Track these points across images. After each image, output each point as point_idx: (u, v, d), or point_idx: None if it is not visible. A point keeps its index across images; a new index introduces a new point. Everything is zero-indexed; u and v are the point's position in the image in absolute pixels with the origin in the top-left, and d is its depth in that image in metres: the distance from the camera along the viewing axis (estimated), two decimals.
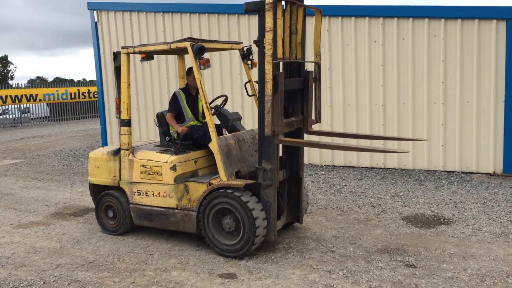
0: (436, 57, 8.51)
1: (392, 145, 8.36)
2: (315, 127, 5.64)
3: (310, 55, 5.47)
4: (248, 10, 4.76)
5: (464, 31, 8.26)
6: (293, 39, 4.86)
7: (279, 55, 4.44)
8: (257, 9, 4.67)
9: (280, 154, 5.26)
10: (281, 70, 4.78)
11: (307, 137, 5.50)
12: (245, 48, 5.84)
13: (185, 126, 5.71)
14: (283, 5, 4.53)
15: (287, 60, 4.77)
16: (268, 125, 4.46)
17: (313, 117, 5.22)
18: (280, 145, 5.14)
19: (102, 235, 5.83)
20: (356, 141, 8.36)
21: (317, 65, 5.18)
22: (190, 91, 5.87)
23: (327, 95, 9.42)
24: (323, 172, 9.06)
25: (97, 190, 5.97)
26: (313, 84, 5.15)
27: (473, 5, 8.32)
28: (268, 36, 4.36)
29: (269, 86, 4.39)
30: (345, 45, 9.27)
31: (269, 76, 4.39)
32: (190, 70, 5.67)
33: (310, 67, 5.43)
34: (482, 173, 8.33)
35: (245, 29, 10.25)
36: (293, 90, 5.05)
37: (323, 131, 5.80)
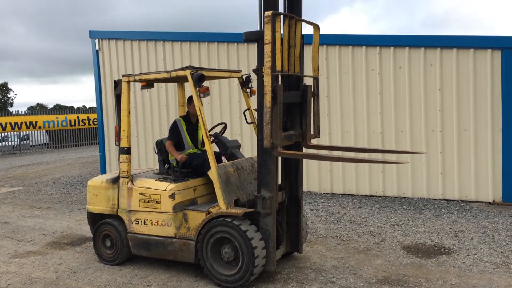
0: (432, 86, 8.61)
1: (391, 159, 8.41)
2: (314, 141, 5.60)
3: (309, 71, 5.51)
4: (247, 39, 4.83)
5: (460, 60, 8.38)
6: (292, 52, 4.92)
7: (278, 67, 4.50)
8: (256, 39, 4.74)
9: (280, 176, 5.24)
10: (279, 83, 4.80)
11: (306, 151, 5.46)
12: (244, 76, 5.91)
13: (184, 154, 5.72)
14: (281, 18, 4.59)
15: (285, 73, 4.81)
16: (267, 137, 4.45)
17: (312, 132, 5.22)
18: (280, 166, 5.11)
19: (100, 265, 5.75)
20: (354, 154, 8.34)
21: (316, 79, 5.23)
22: (191, 119, 5.90)
23: (325, 122, 9.47)
24: (322, 200, 9.02)
25: (95, 219, 5.93)
26: (312, 98, 5.18)
27: (468, 35, 8.49)
28: (267, 49, 4.41)
29: (268, 98, 4.42)
30: (342, 73, 9.39)
31: (268, 88, 4.42)
32: (191, 98, 5.72)
33: (309, 81, 5.47)
34: (482, 202, 8.30)
35: (244, 58, 10.38)
36: (292, 104, 5.07)
37: (322, 145, 5.77)
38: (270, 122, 4.42)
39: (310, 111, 5.11)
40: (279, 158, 5.08)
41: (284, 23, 4.76)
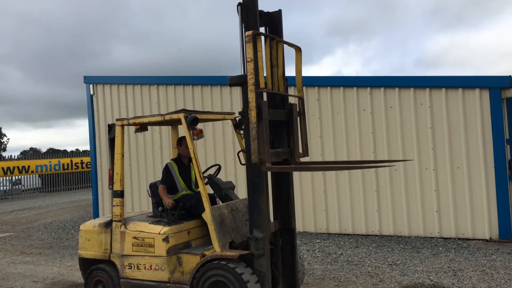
0: (424, 124, 8.73)
1: (384, 170, 8.72)
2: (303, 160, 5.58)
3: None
4: (232, 84, 4.97)
5: (449, 99, 8.54)
6: (275, 72, 5.04)
7: (261, 85, 4.63)
8: (240, 83, 4.87)
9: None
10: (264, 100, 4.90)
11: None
12: (237, 118, 5.96)
13: (177, 196, 5.68)
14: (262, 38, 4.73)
15: (270, 90, 4.90)
16: (254, 152, 4.48)
17: (301, 151, 5.24)
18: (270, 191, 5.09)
19: None
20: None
21: (301, 100, 5.31)
22: (182, 161, 5.90)
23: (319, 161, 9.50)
24: (318, 240, 8.92)
25: (87, 264, 5.79)
26: (298, 117, 5.24)
27: (456, 75, 8.69)
28: (250, 66, 4.53)
29: (253, 114, 4.49)
30: (335, 113, 9.51)
31: (252, 104, 4.51)
32: (181, 140, 5.75)
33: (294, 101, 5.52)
34: (479, 239, 8.24)
35: (237, 100, 10.52)
36: (278, 122, 5.12)
37: (310, 162, 5.76)
38: (257, 137, 4.48)
39: (296, 129, 5.18)
40: (269, 184, 5.10)
41: (265, 43, 4.91)
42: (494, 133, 8.18)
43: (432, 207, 8.62)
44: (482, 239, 8.23)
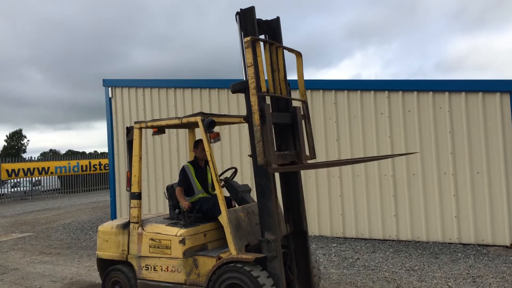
0: (443, 129, 8.62)
1: (402, 175, 8.26)
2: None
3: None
4: (234, 90, 5.03)
5: (469, 103, 8.42)
6: (276, 76, 5.12)
7: (263, 89, 4.73)
8: (242, 88, 4.94)
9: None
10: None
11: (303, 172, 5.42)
12: None
13: (194, 198, 5.71)
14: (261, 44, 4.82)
15: (272, 94, 4.96)
16: (260, 154, 4.55)
17: (307, 153, 5.27)
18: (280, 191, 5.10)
19: None
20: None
21: (304, 103, 5.36)
22: (199, 163, 5.93)
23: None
24: (334, 245, 8.86)
25: (104, 265, 5.86)
26: (303, 121, 5.29)
27: (476, 79, 8.55)
28: (250, 71, 4.64)
29: (256, 117, 4.58)
30: (352, 117, 9.46)
31: (255, 107, 4.59)
32: (197, 143, 5.79)
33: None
34: (499, 246, 8.09)
35: None
36: (284, 126, 5.19)
37: (318, 162, 5.78)
38: (261, 139, 4.56)
39: (302, 132, 5.22)
40: (279, 188, 5.13)
41: (265, 49, 5.00)
42: None
43: (451, 213, 8.49)
44: (502, 246, 8.07)
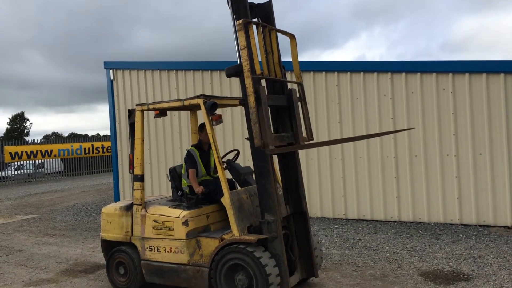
0: (446, 110, 8.58)
1: (404, 156, 8.27)
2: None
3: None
4: (229, 75, 5.03)
5: (473, 84, 8.36)
6: (270, 58, 5.14)
7: (258, 71, 4.75)
8: (236, 72, 4.94)
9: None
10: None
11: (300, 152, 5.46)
12: None
13: (197, 181, 5.72)
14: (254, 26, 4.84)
15: (266, 76, 4.98)
16: (256, 136, 4.59)
17: (305, 135, 5.31)
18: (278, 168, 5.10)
19: None
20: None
21: (300, 85, 5.39)
22: (203, 147, 5.93)
23: (338, 148, 9.46)
24: (336, 226, 8.92)
25: (108, 246, 5.93)
26: (299, 103, 5.31)
27: (480, 60, 8.47)
28: (243, 53, 4.67)
29: (251, 99, 4.62)
30: (354, 99, 9.41)
31: (250, 89, 4.62)
32: (202, 126, 5.77)
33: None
34: (500, 226, 8.13)
35: None
36: (280, 108, 5.21)
37: (316, 142, 5.79)
38: (257, 121, 4.60)
39: (298, 114, 5.24)
40: (278, 170, 5.16)
41: (257, 31, 5.00)
42: None
43: (453, 194, 8.51)
44: (503, 226, 8.11)
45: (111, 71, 12.94)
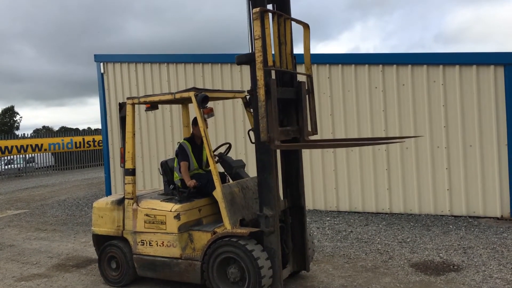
0: (436, 102, 8.62)
1: (395, 148, 8.33)
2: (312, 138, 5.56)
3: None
4: (239, 62, 4.91)
5: (463, 76, 8.40)
6: (283, 49, 4.99)
7: (270, 62, 4.59)
8: (248, 61, 4.82)
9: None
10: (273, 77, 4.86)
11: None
12: (247, 97, 5.94)
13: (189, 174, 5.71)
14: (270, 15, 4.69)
15: (278, 68, 4.86)
16: (263, 130, 4.49)
17: (310, 129, 5.24)
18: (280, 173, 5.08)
19: (105, 287, 5.72)
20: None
21: (309, 77, 5.27)
22: (195, 141, 5.90)
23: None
24: (328, 218, 8.96)
25: (100, 241, 5.91)
26: (307, 96, 5.21)
27: (470, 52, 8.52)
28: (258, 44, 4.50)
29: (261, 92, 4.49)
30: (346, 91, 9.43)
31: (261, 82, 4.49)
32: (196, 120, 5.74)
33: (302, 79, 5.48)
34: (490, 217, 8.22)
35: (247, 78, 10.46)
36: (287, 101, 5.11)
37: (320, 139, 5.76)
38: (266, 115, 4.49)
39: (305, 107, 5.15)
40: (279, 162, 5.10)
41: (273, 21, 4.84)
42: (508, 111, 8.05)
43: (443, 185, 8.58)
44: (493, 217, 8.20)
45: (101, 64, 12.83)
